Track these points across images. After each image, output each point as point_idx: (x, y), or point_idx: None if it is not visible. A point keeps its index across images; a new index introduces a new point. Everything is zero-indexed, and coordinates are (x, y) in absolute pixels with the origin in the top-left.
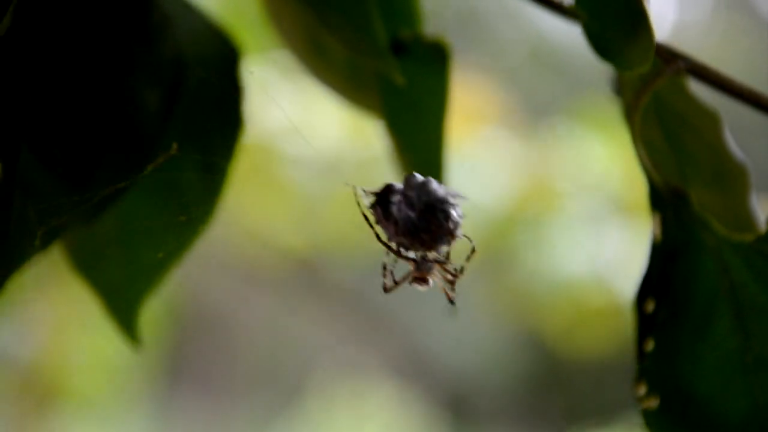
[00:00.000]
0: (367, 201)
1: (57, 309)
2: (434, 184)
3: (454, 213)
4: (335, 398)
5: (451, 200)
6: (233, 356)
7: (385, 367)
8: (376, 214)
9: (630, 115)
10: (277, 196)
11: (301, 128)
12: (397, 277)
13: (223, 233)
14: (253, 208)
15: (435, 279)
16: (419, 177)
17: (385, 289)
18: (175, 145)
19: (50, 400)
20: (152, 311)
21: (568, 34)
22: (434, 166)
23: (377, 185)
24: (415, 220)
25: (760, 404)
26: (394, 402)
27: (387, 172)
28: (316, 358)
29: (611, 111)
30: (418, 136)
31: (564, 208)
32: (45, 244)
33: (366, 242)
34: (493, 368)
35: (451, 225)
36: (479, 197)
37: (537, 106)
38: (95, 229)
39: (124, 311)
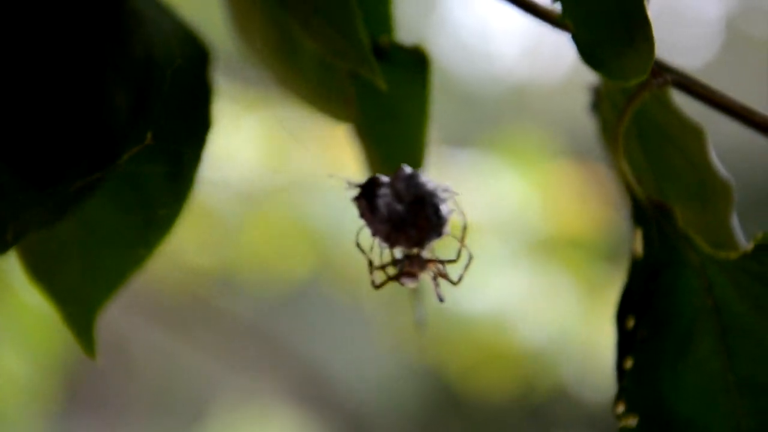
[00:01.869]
0: (351, 194)
1: None
2: (423, 177)
3: (443, 207)
4: (234, 425)
5: (441, 194)
6: (131, 380)
7: (285, 395)
8: (360, 207)
9: (610, 128)
10: (189, 219)
11: (219, 151)
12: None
13: None
14: None
15: (424, 274)
16: (408, 169)
17: (375, 286)
18: (149, 135)
19: None
20: (48, 332)
21: (477, 66)
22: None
23: (294, 211)
24: (402, 213)
25: (742, 427)
26: (292, 430)
27: (306, 197)
28: (215, 385)
29: (526, 144)
30: (399, 143)
31: (475, 243)
32: (6, 247)
33: (275, 268)
34: (393, 398)
35: (439, 220)
36: None
37: (448, 138)
38: (53, 232)
39: (81, 318)
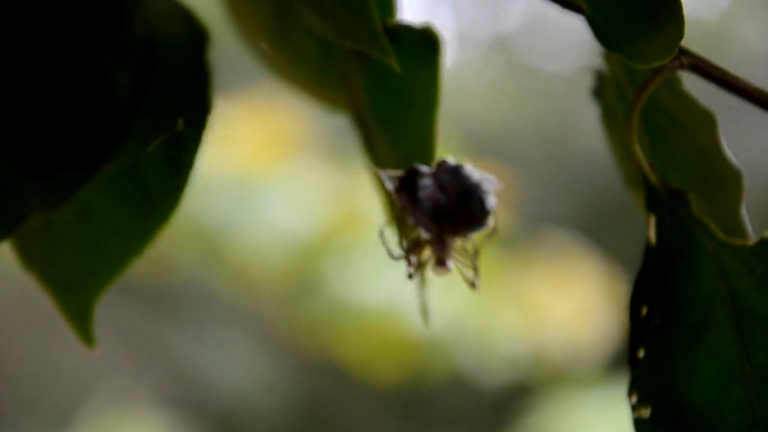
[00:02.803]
0: (390, 186)
1: None
2: (469, 168)
3: (489, 199)
4: (104, 427)
5: (486, 186)
6: None
7: (158, 396)
8: (401, 199)
9: (613, 115)
10: None
11: None
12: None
13: None
14: None
15: (455, 262)
16: (452, 160)
17: (410, 276)
18: (181, 121)
19: None
20: None
21: None
22: (427, 158)
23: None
24: (447, 205)
25: (758, 418)
26: (165, 431)
27: (196, 193)
28: (85, 387)
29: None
30: (409, 128)
31: (370, 235)
32: (7, 234)
33: (148, 271)
34: (272, 395)
35: (484, 212)
36: (288, 223)
37: (349, 132)
38: (50, 219)
39: (78, 308)
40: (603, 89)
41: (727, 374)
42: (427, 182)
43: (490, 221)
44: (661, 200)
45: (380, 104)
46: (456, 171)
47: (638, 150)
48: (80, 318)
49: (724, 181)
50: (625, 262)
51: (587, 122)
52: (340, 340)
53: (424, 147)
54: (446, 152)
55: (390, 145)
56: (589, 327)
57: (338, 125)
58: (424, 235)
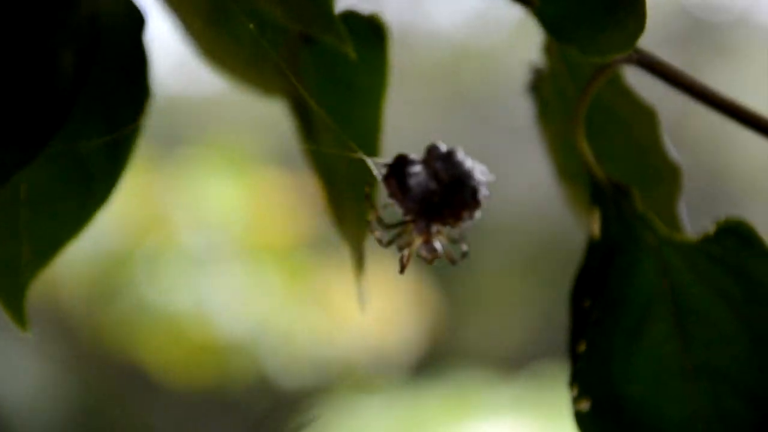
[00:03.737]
0: (379, 173)
1: None
2: (461, 154)
3: (481, 189)
4: None
5: (478, 176)
6: None
7: None
8: (389, 187)
9: (551, 110)
10: None
11: None
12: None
13: None
14: None
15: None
16: (443, 147)
17: (402, 269)
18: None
19: None
20: None
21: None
22: (372, 145)
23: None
24: (439, 193)
25: (697, 412)
26: None
27: None
28: None
29: (238, 149)
30: (356, 115)
31: (183, 243)
32: None
33: None
34: (66, 401)
35: (475, 202)
36: (93, 226)
37: (164, 138)
38: None
39: (11, 289)
40: (540, 85)
41: (666, 368)
42: (416, 169)
43: (479, 213)
44: (606, 195)
45: (326, 91)
46: (448, 157)
47: (584, 144)
48: (13, 299)
49: (663, 176)
50: (432, 269)
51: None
52: (146, 344)
53: (370, 134)
54: (261, 159)
55: (335, 131)
56: (395, 332)
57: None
58: (412, 221)
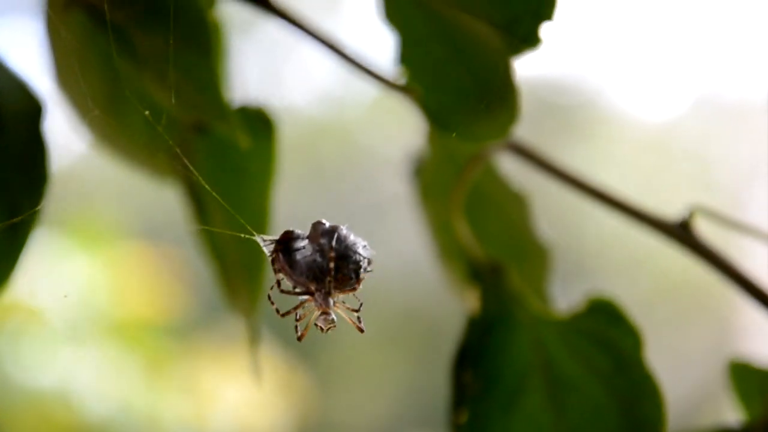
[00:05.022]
0: (267, 249)
1: None
2: (344, 231)
3: (363, 263)
4: None
5: (361, 251)
6: None
7: None
8: (277, 261)
9: (432, 194)
10: None
11: None
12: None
13: None
14: None
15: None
16: (327, 224)
17: (300, 338)
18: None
19: None
20: None
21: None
22: (262, 226)
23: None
24: (325, 267)
25: None
26: None
27: None
28: None
29: (95, 224)
30: (245, 197)
31: (43, 321)
32: None
33: None
34: None
35: (357, 275)
36: None
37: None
38: None
39: None
40: (422, 170)
41: None
42: (301, 244)
43: (360, 284)
44: (483, 274)
45: (218, 176)
46: (332, 234)
47: (463, 227)
48: None
49: (534, 256)
50: (302, 351)
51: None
52: (9, 423)
53: (260, 215)
54: (123, 234)
55: (226, 213)
56: (260, 415)
57: None
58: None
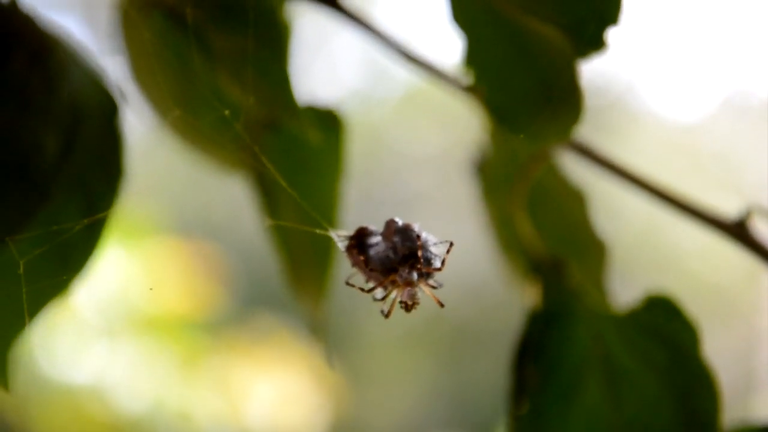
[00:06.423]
0: (341, 245)
1: None
2: (416, 228)
3: (434, 261)
4: None
5: (432, 248)
6: None
7: None
8: (351, 256)
9: (494, 191)
10: None
11: None
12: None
13: None
14: None
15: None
16: (400, 222)
17: (386, 315)
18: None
19: None
20: None
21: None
22: (331, 219)
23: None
24: (397, 263)
25: None
26: None
27: None
28: None
29: (134, 220)
30: (314, 192)
31: (77, 316)
32: None
33: None
34: None
35: (429, 267)
36: None
37: None
38: None
39: None
40: (485, 166)
41: (599, 429)
42: (375, 240)
43: (432, 280)
44: (544, 269)
45: (289, 172)
46: (405, 232)
47: (526, 223)
48: None
49: (591, 252)
50: (334, 350)
51: None
52: (43, 418)
53: (330, 209)
54: (158, 229)
55: (296, 205)
56: (293, 412)
57: None
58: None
